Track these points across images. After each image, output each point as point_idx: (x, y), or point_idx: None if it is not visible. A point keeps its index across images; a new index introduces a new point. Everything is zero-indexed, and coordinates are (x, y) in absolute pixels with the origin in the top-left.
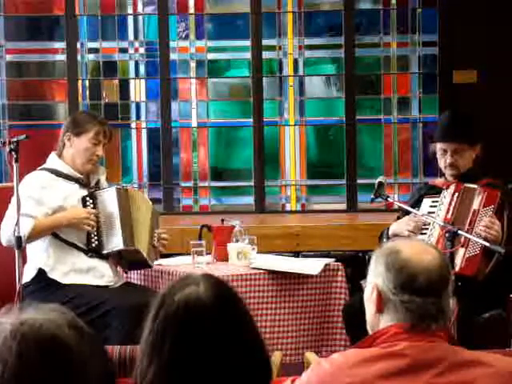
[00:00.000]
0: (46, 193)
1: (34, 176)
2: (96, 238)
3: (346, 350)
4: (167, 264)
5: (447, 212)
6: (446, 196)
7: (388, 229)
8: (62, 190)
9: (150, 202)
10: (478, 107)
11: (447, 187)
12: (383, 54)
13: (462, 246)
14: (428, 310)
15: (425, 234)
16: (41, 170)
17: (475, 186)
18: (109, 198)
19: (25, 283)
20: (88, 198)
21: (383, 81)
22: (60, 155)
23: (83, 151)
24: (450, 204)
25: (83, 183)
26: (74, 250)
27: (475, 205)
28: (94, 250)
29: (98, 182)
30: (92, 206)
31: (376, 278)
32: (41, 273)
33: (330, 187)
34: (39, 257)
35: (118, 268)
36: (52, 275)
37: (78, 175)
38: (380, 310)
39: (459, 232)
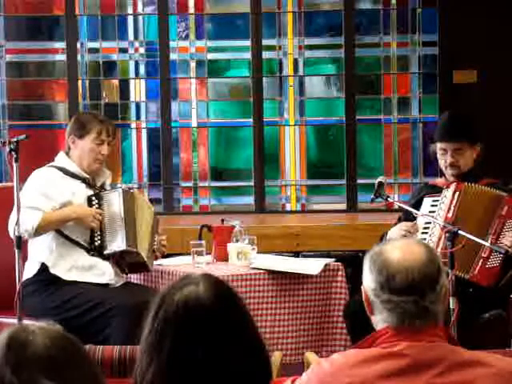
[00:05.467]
0: (54, 189)
1: (43, 171)
2: (99, 237)
3: (346, 350)
4: (167, 264)
5: (448, 211)
6: (447, 195)
7: (386, 233)
8: (70, 187)
9: (152, 207)
10: (478, 107)
11: (448, 186)
12: (383, 54)
13: (484, 255)
14: (407, 308)
15: (426, 233)
16: (49, 167)
17: (490, 190)
18: (114, 199)
19: (26, 279)
20: (94, 198)
21: (383, 81)
22: (68, 154)
23: (88, 152)
24: (451, 203)
25: (89, 183)
26: (76, 247)
27: (501, 213)
28: (96, 249)
29: (103, 185)
30: (97, 206)
31: (364, 280)
32: (43, 268)
33: (330, 187)
34: (42, 252)
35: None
36: (54, 271)
37: (85, 175)
38: (370, 311)
39: (459, 232)
